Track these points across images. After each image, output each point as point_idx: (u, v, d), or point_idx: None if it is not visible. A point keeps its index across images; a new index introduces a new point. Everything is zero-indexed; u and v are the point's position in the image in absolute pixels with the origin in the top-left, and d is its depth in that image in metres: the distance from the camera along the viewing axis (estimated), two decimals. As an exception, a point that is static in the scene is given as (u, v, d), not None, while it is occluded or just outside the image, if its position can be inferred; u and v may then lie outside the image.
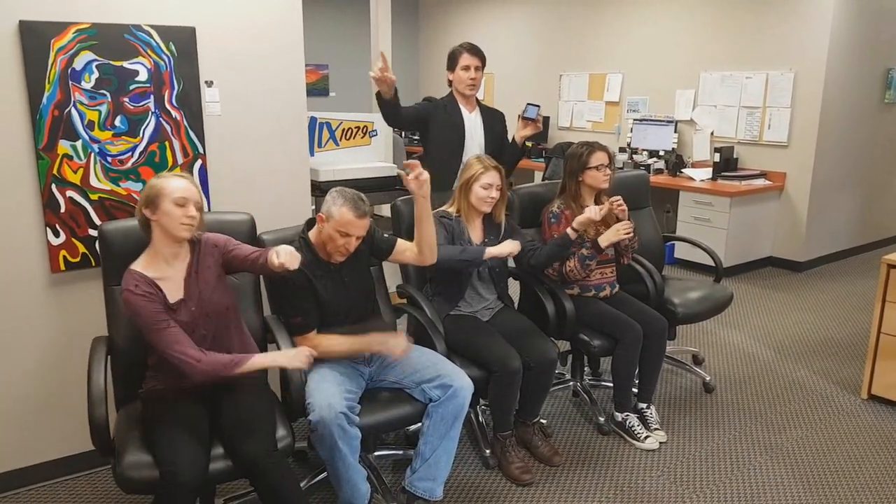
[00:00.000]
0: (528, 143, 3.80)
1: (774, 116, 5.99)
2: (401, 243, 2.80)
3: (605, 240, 3.18)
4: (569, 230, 3.08)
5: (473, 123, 3.65)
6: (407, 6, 9.76)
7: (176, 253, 2.34)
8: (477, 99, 3.73)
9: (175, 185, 2.27)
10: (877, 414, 3.55)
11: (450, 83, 3.67)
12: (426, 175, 2.61)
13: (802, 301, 5.36)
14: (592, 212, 3.04)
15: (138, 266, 2.29)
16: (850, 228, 6.60)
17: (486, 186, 3.01)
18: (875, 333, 3.57)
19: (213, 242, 2.43)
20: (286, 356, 2.35)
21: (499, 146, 3.72)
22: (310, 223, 2.65)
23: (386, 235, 2.81)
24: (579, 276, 3.23)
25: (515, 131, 3.67)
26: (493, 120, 3.74)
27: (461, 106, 3.63)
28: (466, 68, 3.56)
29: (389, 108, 3.42)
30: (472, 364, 2.87)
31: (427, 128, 3.61)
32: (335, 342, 2.56)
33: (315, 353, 2.37)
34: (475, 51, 3.58)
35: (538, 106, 3.59)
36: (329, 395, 2.40)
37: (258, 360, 2.29)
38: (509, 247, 2.96)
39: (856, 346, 4.43)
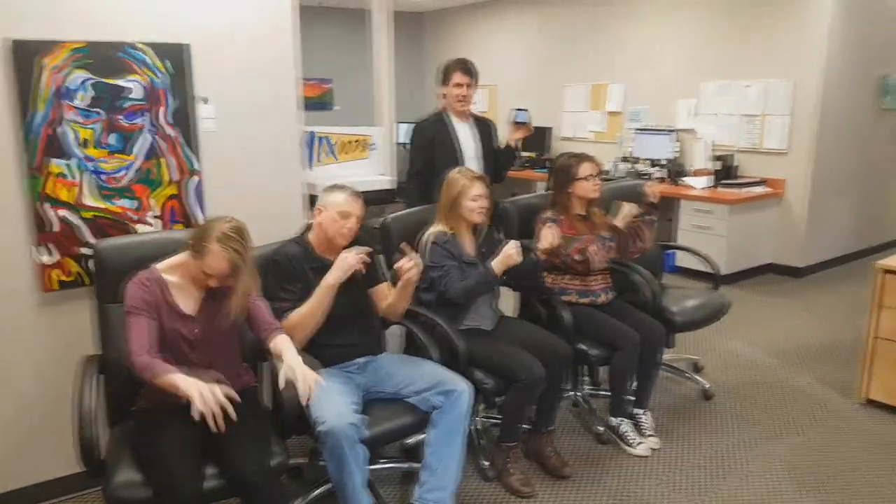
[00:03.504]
0: (521, 152, 3.89)
1: (773, 124, 6.00)
2: (383, 289, 2.88)
3: (618, 219, 3.35)
4: (537, 253, 3.07)
5: (467, 134, 3.71)
6: (411, 20, 9.82)
7: (203, 278, 2.36)
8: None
9: (213, 260, 2.24)
10: (873, 418, 3.54)
11: (442, 96, 3.73)
12: (417, 271, 2.68)
13: (802, 307, 5.35)
14: (547, 239, 3.05)
15: (163, 266, 2.37)
16: (850, 234, 6.58)
17: (475, 198, 3.01)
18: (870, 338, 3.56)
19: None
20: (197, 390, 2.09)
21: (493, 154, 3.78)
22: (307, 227, 2.79)
23: (383, 273, 2.93)
24: (602, 258, 3.28)
25: (507, 135, 3.74)
26: (485, 130, 3.80)
27: (453, 118, 3.69)
28: (458, 86, 3.64)
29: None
30: (492, 375, 2.87)
31: (432, 154, 3.68)
32: (302, 308, 2.59)
33: (234, 398, 2.18)
34: (468, 70, 3.65)
35: (526, 110, 3.67)
36: (337, 404, 2.40)
37: (177, 379, 2.13)
38: (513, 249, 2.89)
39: (854, 350, 4.39)
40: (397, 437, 2.82)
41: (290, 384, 2.24)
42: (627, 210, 3.35)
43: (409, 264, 2.67)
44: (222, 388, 2.13)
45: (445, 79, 3.67)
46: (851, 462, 3.15)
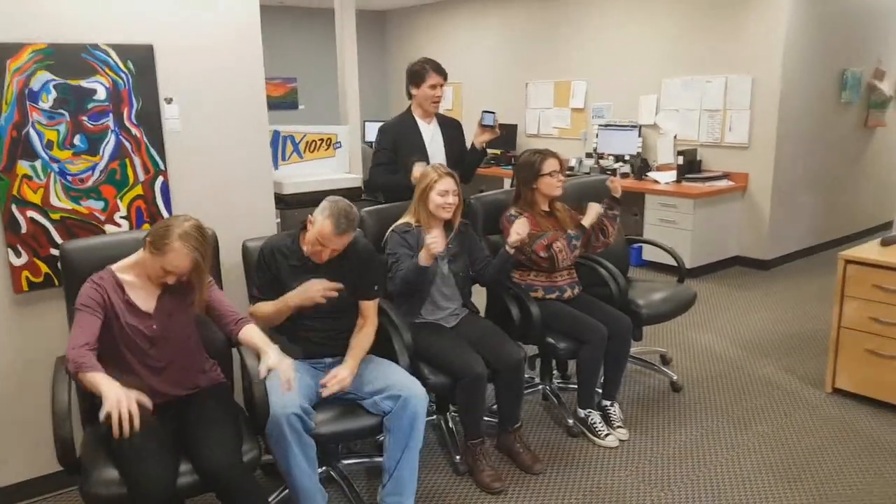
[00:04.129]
0: (488, 149, 3.85)
1: (735, 119, 6.11)
2: (366, 308, 2.84)
3: (587, 220, 3.34)
4: (507, 248, 3.10)
5: (432, 134, 3.69)
6: (374, 18, 9.82)
7: (161, 275, 2.36)
8: None
9: (174, 257, 2.25)
10: (840, 406, 3.63)
11: (409, 97, 3.69)
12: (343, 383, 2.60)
13: (769, 299, 5.46)
14: (519, 228, 3.05)
15: (118, 266, 2.37)
16: (814, 226, 6.73)
17: (442, 193, 3.04)
18: (835, 328, 3.65)
19: None
20: (115, 394, 2.06)
21: (459, 154, 3.76)
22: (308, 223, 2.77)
23: (376, 288, 2.87)
24: (567, 256, 3.29)
25: (474, 137, 3.70)
26: (450, 130, 3.78)
27: (419, 119, 3.68)
28: (434, 87, 3.59)
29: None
30: (439, 371, 2.89)
31: (396, 154, 3.63)
32: (263, 307, 2.68)
33: (147, 405, 2.16)
34: (441, 70, 3.62)
35: (493, 112, 3.63)
36: (284, 397, 2.40)
37: (97, 379, 2.12)
38: (430, 239, 2.83)
39: (821, 340, 4.51)
40: (350, 438, 2.85)
41: (273, 372, 2.31)
42: (596, 210, 3.40)
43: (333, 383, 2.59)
44: (139, 399, 2.11)
45: (419, 80, 3.61)
46: (819, 450, 3.23)
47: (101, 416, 2.04)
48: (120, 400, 2.05)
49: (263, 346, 2.41)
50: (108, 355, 2.29)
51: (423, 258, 2.89)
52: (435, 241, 2.82)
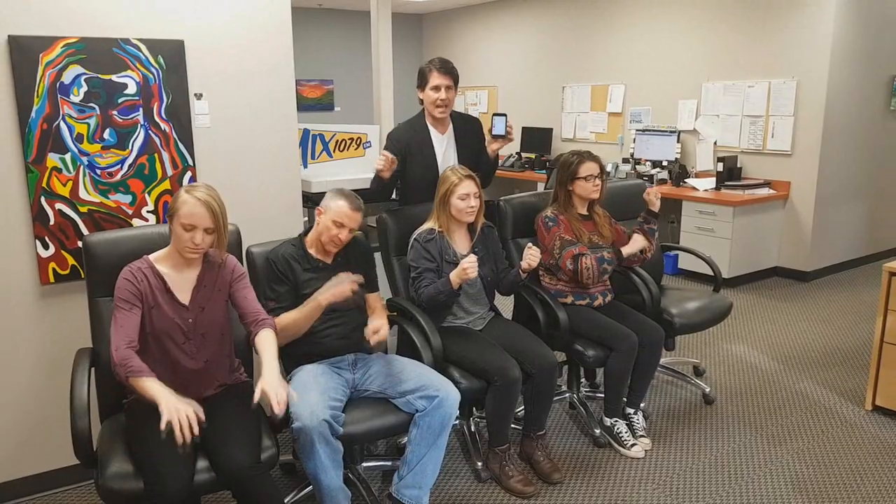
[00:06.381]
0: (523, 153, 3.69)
1: (777, 125, 5.95)
2: (372, 300, 2.87)
3: (628, 250, 3.27)
4: (519, 272, 3.03)
5: (446, 147, 3.36)
6: (410, 21, 9.83)
7: (189, 260, 2.36)
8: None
9: (187, 209, 2.24)
10: (880, 425, 3.48)
11: (421, 102, 3.35)
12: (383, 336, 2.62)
13: (808, 311, 5.29)
14: (531, 259, 2.94)
15: (155, 256, 2.36)
16: (858, 237, 6.53)
17: (463, 197, 2.98)
18: (878, 343, 3.51)
19: (232, 267, 2.46)
20: (173, 404, 2.07)
21: (476, 155, 3.41)
22: (306, 231, 2.79)
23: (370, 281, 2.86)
24: (593, 275, 3.18)
25: (486, 144, 3.42)
26: (466, 132, 3.43)
27: (432, 129, 3.33)
28: (436, 88, 3.22)
29: (389, 187, 3.27)
30: (470, 375, 2.84)
31: (403, 168, 3.28)
32: (290, 315, 2.60)
33: (201, 418, 2.12)
34: (446, 69, 3.25)
35: (504, 115, 3.33)
36: (312, 402, 2.39)
37: (152, 386, 2.13)
38: (467, 264, 2.80)
39: (861, 356, 4.36)
40: (379, 436, 2.81)
41: (264, 395, 2.19)
42: (640, 245, 3.33)
43: (377, 336, 2.60)
44: (195, 408, 2.10)
45: (422, 82, 3.28)
46: (857, 469, 3.10)
47: (162, 425, 2.02)
48: (178, 409, 2.06)
49: (266, 363, 2.31)
50: (142, 350, 2.28)
51: (456, 282, 2.86)
52: (472, 266, 2.79)
